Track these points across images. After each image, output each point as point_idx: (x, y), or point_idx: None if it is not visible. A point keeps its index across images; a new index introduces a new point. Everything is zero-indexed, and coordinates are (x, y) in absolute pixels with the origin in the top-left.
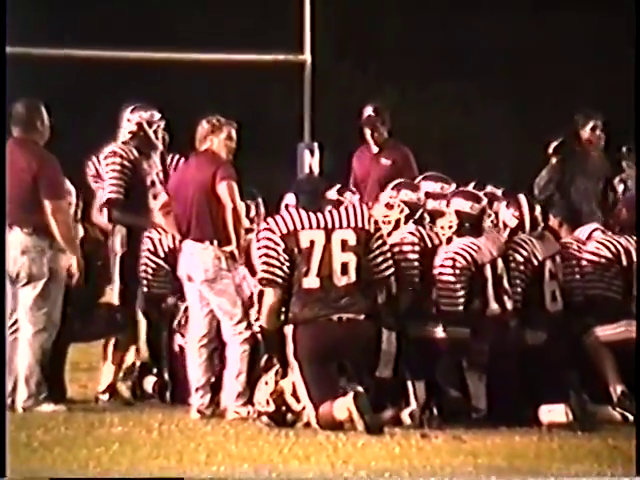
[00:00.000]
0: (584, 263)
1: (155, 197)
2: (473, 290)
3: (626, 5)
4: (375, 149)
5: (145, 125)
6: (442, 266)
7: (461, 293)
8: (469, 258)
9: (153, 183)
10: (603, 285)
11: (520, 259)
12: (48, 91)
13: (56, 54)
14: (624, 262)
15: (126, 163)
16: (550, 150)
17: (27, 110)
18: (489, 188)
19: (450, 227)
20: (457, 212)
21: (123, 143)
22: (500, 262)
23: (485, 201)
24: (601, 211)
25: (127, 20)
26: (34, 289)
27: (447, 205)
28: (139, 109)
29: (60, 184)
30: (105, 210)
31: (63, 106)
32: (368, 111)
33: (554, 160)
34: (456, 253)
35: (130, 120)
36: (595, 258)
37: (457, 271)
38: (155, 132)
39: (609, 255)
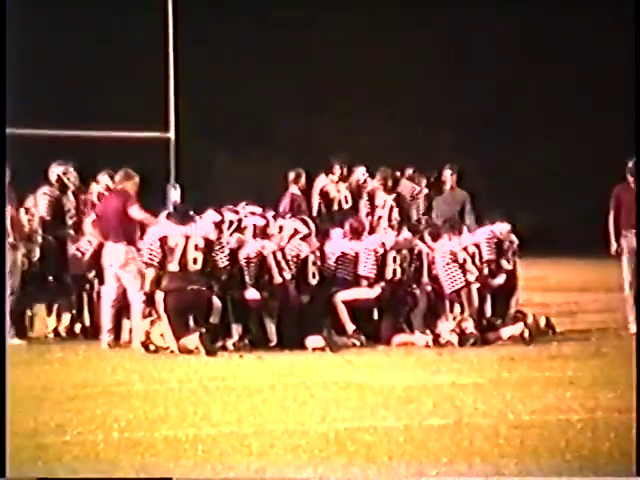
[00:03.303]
0: (337, 255)
1: (71, 219)
2: (263, 270)
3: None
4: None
5: (62, 175)
6: (244, 258)
7: (253, 272)
8: (255, 251)
9: (69, 211)
10: (344, 270)
11: (293, 253)
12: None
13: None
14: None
15: (52, 199)
16: (423, 186)
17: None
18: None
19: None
20: (254, 225)
21: (50, 186)
22: (279, 253)
23: (272, 221)
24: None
25: (60, 102)
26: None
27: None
28: (59, 165)
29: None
30: (40, 227)
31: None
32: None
33: (425, 191)
34: (249, 249)
35: (54, 172)
36: (341, 254)
37: (249, 259)
38: (69, 179)
39: (351, 253)
